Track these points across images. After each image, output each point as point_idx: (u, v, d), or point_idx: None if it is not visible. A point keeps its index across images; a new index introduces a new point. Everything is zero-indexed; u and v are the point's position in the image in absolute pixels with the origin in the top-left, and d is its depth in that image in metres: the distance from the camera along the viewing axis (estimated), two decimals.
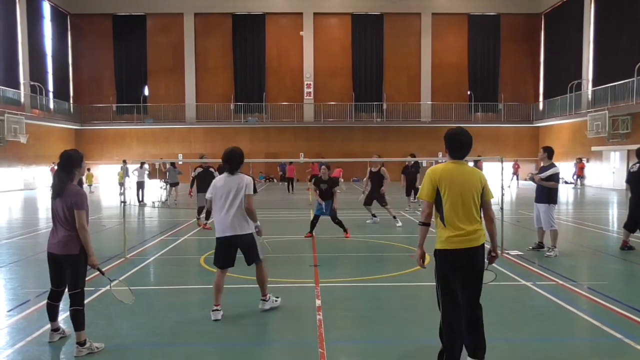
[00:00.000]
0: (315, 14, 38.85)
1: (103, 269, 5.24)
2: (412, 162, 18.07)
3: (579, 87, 33.03)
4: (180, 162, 30.82)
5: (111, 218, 16.24)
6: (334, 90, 38.97)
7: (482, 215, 4.40)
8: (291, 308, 6.30)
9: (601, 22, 31.95)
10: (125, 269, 8.49)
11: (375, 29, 39.19)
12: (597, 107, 30.53)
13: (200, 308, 6.20)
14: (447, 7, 39.13)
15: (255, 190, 6.08)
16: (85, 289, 4.91)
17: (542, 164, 9.66)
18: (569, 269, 8.39)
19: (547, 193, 9.33)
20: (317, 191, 11.64)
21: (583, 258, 9.57)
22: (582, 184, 31.65)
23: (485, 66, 39.50)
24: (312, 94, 38.94)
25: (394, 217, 13.74)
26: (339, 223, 11.44)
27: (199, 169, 13.70)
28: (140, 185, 20.87)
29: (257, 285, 6.07)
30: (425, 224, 4.36)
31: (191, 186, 14.03)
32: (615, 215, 16.93)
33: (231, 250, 5.85)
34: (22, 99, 32.77)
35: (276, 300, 6.11)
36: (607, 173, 30.08)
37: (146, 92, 39.49)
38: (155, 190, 25.82)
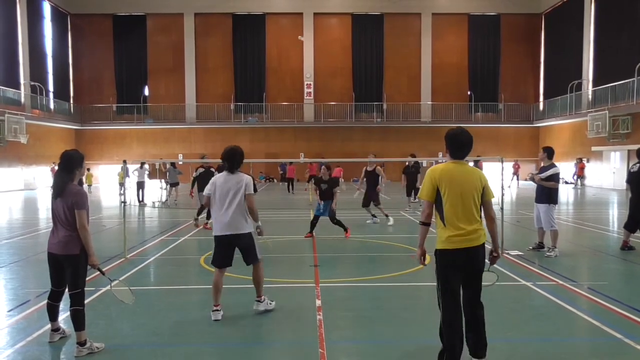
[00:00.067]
0: (315, 14, 38.86)
1: (103, 269, 5.24)
2: (413, 162, 18.07)
3: (579, 87, 33.03)
4: (181, 162, 30.86)
5: (111, 218, 16.25)
6: (334, 90, 38.98)
7: (482, 215, 4.41)
8: (291, 308, 6.30)
9: (601, 22, 31.95)
10: (126, 269, 8.49)
11: (376, 29, 39.20)
12: (597, 107, 30.53)
13: (200, 308, 6.20)
14: (447, 7, 39.13)
15: (255, 190, 6.08)
16: (85, 289, 4.91)
17: (542, 164, 9.66)
18: (569, 269, 8.39)
19: (547, 193, 9.33)
20: (317, 191, 11.65)
21: (583, 258, 9.57)
22: (583, 184, 31.65)
23: (485, 66, 39.51)
24: (312, 94, 38.95)
25: (387, 216, 13.87)
26: (338, 223, 11.43)
27: (201, 170, 13.68)
28: (140, 186, 20.88)
29: (261, 280, 6.01)
30: (426, 224, 4.38)
31: (192, 187, 14.03)
32: (615, 215, 16.92)
33: (229, 250, 5.84)
34: (23, 99, 32.78)
35: (270, 303, 6.03)
36: (607, 173, 30.07)
37: (146, 92, 39.50)
38: (156, 190, 25.83)
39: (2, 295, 7.14)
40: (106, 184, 36.28)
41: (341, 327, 5.64)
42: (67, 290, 4.94)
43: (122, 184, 20.16)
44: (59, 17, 37.82)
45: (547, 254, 9.29)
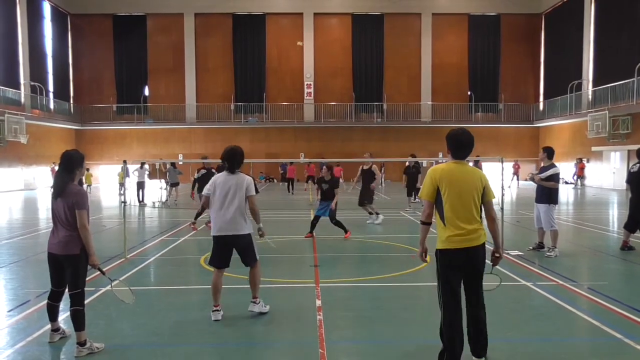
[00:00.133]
0: (315, 14, 38.87)
1: (103, 269, 5.24)
2: (413, 163, 18.09)
3: (579, 87, 33.03)
4: (181, 163, 30.84)
5: (111, 218, 16.25)
6: (334, 90, 38.99)
7: (483, 215, 4.42)
8: (291, 308, 6.30)
9: (601, 22, 31.96)
10: (126, 269, 8.49)
11: (376, 29, 39.21)
12: (597, 107, 30.53)
13: (200, 308, 6.20)
14: (447, 7, 39.14)
15: (257, 191, 6.07)
16: (85, 289, 4.92)
17: (542, 164, 9.67)
18: (569, 269, 8.39)
19: (547, 193, 9.33)
20: (319, 191, 11.66)
21: (583, 258, 9.58)
22: (583, 184, 31.66)
23: (485, 66, 39.51)
24: (312, 94, 38.96)
25: (377, 214, 13.97)
26: (338, 224, 11.40)
27: (203, 171, 13.64)
28: (140, 186, 20.88)
29: (258, 281, 5.96)
30: (426, 223, 4.42)
31: (193, 188, 13.99)
32: (615, 215, 16.92)
33: (228, 250, 5.82)
34: (23, 99, 32.78)
35: (265, 307, 5.96)
36: (607, 173, 30.07)
37: (146, 92, 39.51)
38: (156, 190, 25.83)
39: (2, 295, 7.14)
40: (106, 184, 36.28)
41: (341, 327, 5.64)
42: (67, 290, 4.94)
43: (122, 184, 20.17)
44: (59, 17, 37.83)
45: (547, 254, 9.29)
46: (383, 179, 35.45)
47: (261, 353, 5.11)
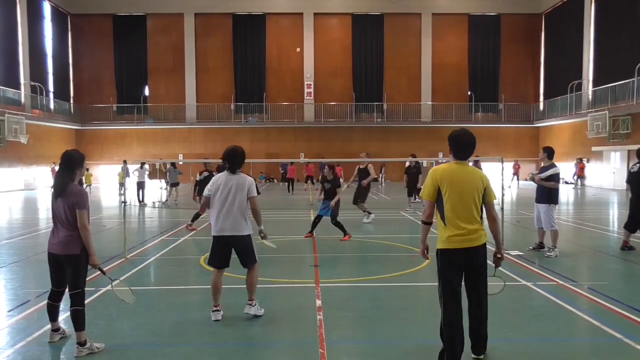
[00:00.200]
0: (315, 14, 38.86)
1: (104, 269, 5.23)
2: (414, 163, 18.12)
3: (579, 87, 33.03)
4: (181, 163, 30.83)
5: (111, 218, 16.25)
6: (334, 90, 38.99)
7: (484, 215, 4.44)
8: (291, 308, 6.30)
9: (601, 22, 31.95)
10: (126, 269, 8.49)
11: (376, 29, 39.20)
12: (597, 107, 30.53)
13: (200, 308, 6.20)
14: (447, 7, 39.14)
15: (258, 192, 6.06)
16: (85, 289, 4.92)
17: (542, 164, 9.67)
18: (569, 269, 8.39)
19: (547, 193, 9.33)
20: (322, 190, 11.71)
21: (583, 258, 9.58)
22: (583, 184, 31.66)
23: (485, 66, 39.51)
24: (312, 94, 38.96)
25: (368, 213, 14.10)
26: (338, 224, 11.37)
27: (205, 173, 13.62)
28: (140, 186, 20.88)
29: (255, 283, 5.91)
30: (427, 223, 4.46)
31: (195, 191, 13.97)
32: (615, 215, 16.92)
33: (227, 250, 5.81)
34: (23, 99, 32.78)
35: (260, 309, 5.91)
36: (607, 173, 30.07)
37: (146, 92, 39.51)
38: (156, 190, 25.84)
39: (2, 295, 7.14)
40: (106, 184, 36.28)
41: (341, 327, 5.64)
42: (67, 290, 4.94)
43: (122, 184, 20.17)
44: (59, 17, 37.83)
45: (547, 254, 9.29)
46: (383, 179, 35.50)
47: (261, 353, 5.11)
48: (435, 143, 36.37)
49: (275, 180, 38.30)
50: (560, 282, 7.44)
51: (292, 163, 28.59)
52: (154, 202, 21.48)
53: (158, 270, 8.85)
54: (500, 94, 39.04)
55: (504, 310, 6.02)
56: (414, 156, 19.25)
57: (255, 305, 5.85)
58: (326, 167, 11.99)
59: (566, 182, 32.03)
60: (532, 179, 9.61)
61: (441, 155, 33.54)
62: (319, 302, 6.40)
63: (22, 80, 33.04)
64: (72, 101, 39.23)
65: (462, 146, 4.42)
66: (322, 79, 39.13)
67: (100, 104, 38.95)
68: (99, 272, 5.08)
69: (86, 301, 4.96)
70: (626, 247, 9.83)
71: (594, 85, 32.38)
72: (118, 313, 6.03)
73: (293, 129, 38.69)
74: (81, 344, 4.77)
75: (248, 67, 39.22)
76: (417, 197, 18.02)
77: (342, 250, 10.39)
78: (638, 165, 9.82)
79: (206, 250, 9.65)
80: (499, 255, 4.55)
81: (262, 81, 39.16)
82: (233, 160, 5.79)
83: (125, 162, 10.61)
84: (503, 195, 9.76)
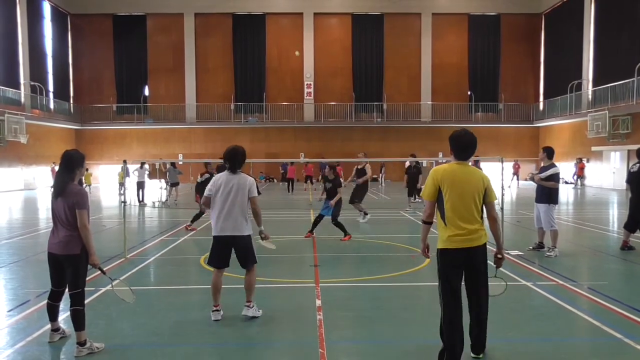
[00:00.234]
0: (315, 14, 38.86)
1: (104, 269, 5.23)
2: (414, 163, 18.19)
3: (579, 87, 33.03)
4: (181, 162, 30.87)
5: (111, 218, 16.25)
6: (334, 90, 38.98)
7: (484, 215, 4.46)
8: (291, 308, 6.30)
9: (601, 22, 31.95)
10: (126, 269, 8.49)
11: (376, 29, 39.20)
12: (597, 107, 30.53)
13: (200, 308, 6.20)
14: (447, 7, 39.13)
15: (259, 192, 6.05)
16: (85, 289, 4.92)
17: (542, 164, 9.67)
18: (569, 269, 8.39)
19: (547, 193, 9.33)
20: (324, 190, 11.79)
21: (583, 258, 9.58)
22: (582, 184, 31.65)
23: (485, 66, 39.51)
24: (312, 94, 38.95)
25: (365, 214, 14.18)
26: (338, 225, 11.37)
27: (206, 175, 13.61)
28: (140, 186, 20.88)
29: (253, 285, 5.87)
30: (427, 223, 4.49)
31: (197, 192, 13.96)
32: (615, 215, 16.92)
33: (227, 250, 5.80)
34: (22, 99, 32.78)
35: (258, 311, 5.89)
36: (607, 173, 30.07)
37: (146, 92, 39.50)
38: (156, 190, 25.84)
39: (2, 295, 7.14)
40: (106, 184, 36.28)
41: (341, 327, 5.64)
42: (67, 290, 4.94)
43: (122, 184, 20.17)
44: (59, 17, 37.82)
45: (547, 254, 9.29)
46: (383, 179, 35.52)
47: (261, 353, 5.11)
48: (435, 143, 36.38)
49: (275, 180, 38.30)
50: (560, 282, 7.44)
51: (292, 163, 28.59)
52: (153, 202, 21.48)
53: (158, 270, 8.85)
54: (500, 94, 39.04)
55: (504, 310, 6.02)
56: (413, 156, 19.27)
57: (253, 307, 5.82)
58: (327, 167, 12.04)
59: (566, 182, 32.04)
60: (532, 179, 9.61)
61: (441, 155, 33.54)
62: (318, 302, 6.40)
63: (22, 80, 33.04)
64: (72, 101, 39.23)
65: (463, 146, 4.44)
66: (322, 79, 39.12)
67: (100, 104, 38.95)
68: (99, 272, 5.08)
69: (86, 301, 4.96)
70: (626, 247, 9.83)
71: (593, 85, 32.38)
72: (118, 313, 6.03)
73: (293, 129, 38.69)
74: (81, 343, 4.77)
75: (248, 67, 39.22)
76: (417, 197, 18.03)
77: (342, 250, 10.38)
78: (638, 165, 9.82)
79: (206, 250, 9.66)
80: (499, 256, 4.56)
81: (262, 81, 39.16)
82: (234, 160, 5.78)
83: (125, 162, 10.61)
84: (503, 195, 9.76)
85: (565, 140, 34.92)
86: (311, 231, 11.60)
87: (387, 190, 28.59)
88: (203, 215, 13.00)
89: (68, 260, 4.82)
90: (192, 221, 13.07)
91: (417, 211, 16.51)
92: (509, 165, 31.84)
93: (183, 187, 22.15)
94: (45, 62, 36.14)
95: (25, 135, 29.96)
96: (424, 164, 20.29)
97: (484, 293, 4.49)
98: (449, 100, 38.65)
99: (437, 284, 4.51)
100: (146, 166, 22.05)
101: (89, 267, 4.94)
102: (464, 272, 4.40)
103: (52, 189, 5.02)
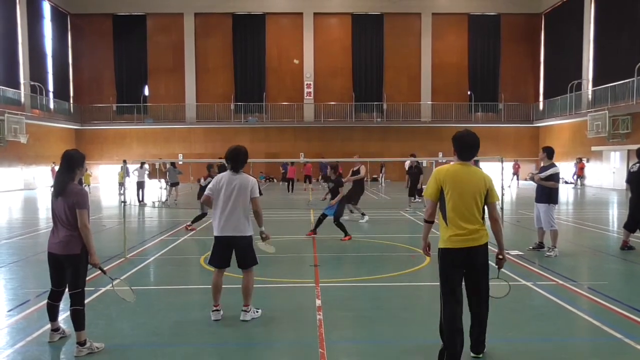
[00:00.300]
0: (315, 14, 38.85)
1: (104, 269, 5.23)
2: (416, 163, 18.27)
3: (579, 87, 33.03)
4: (181, 162, 30.87)
5: (111, 218, 16.25)
6: (334, 90, 38.98)
7: (486, 216, 4.49)
8: (291, 308, 6.30)
9: (601, 22, 31.95)
10: (126, 269, 8.49)
11: (376, 29, 39.19)
12: (597, 107, 30.53)
13: (200, 308, 6.20)
14: (447, 7, 39.13)
15: (260, 193, 6.05)
16: (85, 289, 4.92)
17: (542, 164, 9.67)
18: (569, 269, 8.39)
19: (547, 193, 9.33)
20: (328, 191, 11.90)
21: (583, 258, 9.58)
22: (582, 184, 31.65)
23: (485, 66, 39.51)
24: (312, 94, 38.95)
25: (363, 214, 14.27)
26: (339, 225, 11.39)
27: (209, 179, 13.60)
28: (140, 185, 20.88)
29: (251, 288, 5.81)
30: (429, 222, 4.54)
31: (199, 197, 13.92)
32: (615, 215, 16.92)
33: (228, 251, 5.79)
34: (22, 99, 32.77)
35: (257, 311, 5.87)
36: (607, 173, 30.07)
37: (146, 92, 39.50)
38: (156, 190, 25.83)
39: (2, 295, 7.14)
40: (106, 184, 36.28)
41: (341, 327, 5.64)
42: (67, 290, 4.94)
43: (122, 184, 20.16)
44: (59, 17, 37.81)
45: (547, 253, 9.29)
46: (383, 179, 35.53)
47: (261, 353, 5.11)
48: (435, 143, 36.39)
49: (275, 180, 38.30)
50: (560, 282, 7.44)
51: (292, 163, 28.59)
52: (153, 202, 21.48)
53: (158, 270, 8.85)
54: (500, 94, 39.04)
55: (504, 310, 6.02)
56: (413, 156, 19.30)
57: (250, 311, 5.79)
58: (328, 167, 12.11)
59: (566, 182, 32.04)
60: (532, 179, 9.61)
61: (441, 155, 33.54)
62: (318, 302, 6.40)
63: (22, 80, 33.03)
64: (72, 101, 39.22)
65: (466, 147, 4.47)
66: (322, 78, 39.12)
67: (100, 103, 38.94)
68: (99, 271, 5.08)
69: (86, 301, 4.96)
70: (626, 247, 9.83)
71: (593, 85, 32.38)
72: (118, 313, 6.03)
73: (293, 128, 38.69)
74: (81, 343, 4.77)
75: (248, 67, 39.21)
76: (417, 197, 18.05)
77: (342, 250, 10.38)
78: (638, 165, 9.82)
79: (206, 250, 9.68)
80: (500, 257, 4.58)
81: (262, 81, 39.15)
82: (236, 160, 5.77)
83: (125, 162, 10.61)
84: (503, 195, 9.76)
85: (565, 140, 34.93)
86: (314, 230, 11.63)
87: (387, 190, 28.59)
88: (204, 217, 13.00)
89: (68, 260, 4.82)
90: (193, 222, 13.08)
91: (417, 211, 16.51)
92: (508, 165, 31.84)
93: (183, 187, 22.14)
94: (45, 62, 36.13)
95: (25, 135, 29.96)
96: (424, 164, 20.32)
97: (485, 293, 4.51)
98: (449, 100, 38.64)
99: (437, 283, 4.53)
100: (146, 166, 22.04)
101: (89, 267, 4.94)
102: (464, 271, 4.42)
103: (52, 189, 5.02)
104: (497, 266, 4.65)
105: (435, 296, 4.62)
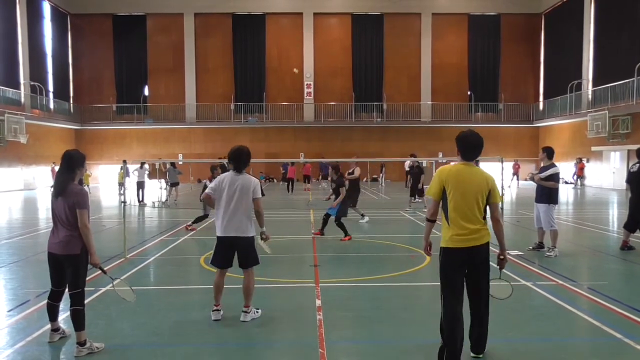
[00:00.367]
0: (315, 14, 38.85)
1: (104, 269, 5.23)
2: (417, 164, 18.32)
3: (579, 87, 33.03)
4: (181, 162, 30.87)
5: (111, 218, 16.25)
6: (334, 90, 38.98)
7: (488, 216, 4.52)
8: (291, 308, 6.30)
9: (601, 22, 31.95)
10: (125, 269, 8.49)
11: (375, 29, 39.20)
12: (597, 107, 30.53)
13: (200, 308, 6.20)
14: (447, 7, 39.13)
15: (262, 194, 6.05)
16: (85, 289, 4.92)
17: (542, 164, 9.68)
18: (569, 269, 8.39)
19: (547, 193, 9.33)
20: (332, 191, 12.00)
21: (583, 258, 9.58)
22: (582, 184, 31.65)
23: (485, 66, 39.50)
24: (312, 94, 38.95)
25: (362, 215, 14.34)
26: (340, 225, 11.40)
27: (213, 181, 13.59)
28: (140, 185, 20.88)
29: (252, 289, 5.80)
30: (431, 221, 4.58)
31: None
32: (615, 215, 16.93)
33: (231, 251, 5.80)
34: (22, 99, 32.77)
35: (257, 312, 5.87)
36: (607, 173, 30.07)
37: (146, 92, 39.49)
38: (155, 190, 25.83)
39: (2, 295, 7.14)
40: (106, 184, 36.28)
41: (341, 327, 5.64)
42: (67, 290, 4.94)
43: (122, 184, 20.16)
44: (59, 17, 37.81)
45: (547, 254, 9.29)
46: (383, 179, 35.53)
47: (261, 353, 5.11)
48: (435, 143, 36.40)
49: (275, 180, 38.30)
50: (560, 282, 7.44)
51: (292, 163, 28.59)
52: (153, 202, 21.47)
53: (158, 270, 8.85)
54: (500, 94, 39.04)
55: (504, 310, 6.01)
56: (414, 156, 19.33)
57: (250, 311, 5.79)
58: (329, 167, 12.16)
59: (566, 182, 32.04)
60: (532, 179, 9.61)
61: (441, 155, 33.55)
62: (318, 302, 6.40)
63: (22, 80, 33.02)
64: (71, 101, 39.22)
65: (470, 147, 4.49)
66: (322, 79, 39.11)
67: (100, 104, 38.94)
68: (99, 271, 5.08)
69: (86, 301, 4.97)
70: (626, 247, 9.83)
71: (593, 85, 32.38)
72: (118, 313, 6.03)
73: (293, 128, 38.69)
74: (81, 343, 4.77)
75: (248, 67, 39.21)
76: (417, 197, 18.05)
77: (342, 250, 10.38)
78: (638, 165, 9.82)
79: (206, 250, 9.69)
80: (501, 257, 4.59)
81: (262, 81, 39.16)
82: (239, 160, 5.77)
83: (125, 162, 10.61)
84: (503, 195, 9.74)
85: (565, 140, 34.93)
86: (321, 230, 11.68)
87: (387, 190, 28.58)
88: (207, 219, 12.98)
89: (68, 260, 4.82)
90: (194, 222, 13.07)
91: (417, 211, 16.52)
92: (508, 165, 31.84)
93: (183, 187, 22.13)
94: (45, 62, 36.13)
95: (25, 135, 29.95)
96: (424, 164, 20.36)
97: (485, 293, 4.52)
98: (448, 100, 38.64)
99: (437, 284, 4.54)
100: (146, 166, 22.04)
101: (89, 267, 4.94)
102: (466, 271, 4.43)
103: (53, 189, 5.02)
104: (498, 267, 4.66)
105: (435, 296, 4.63)
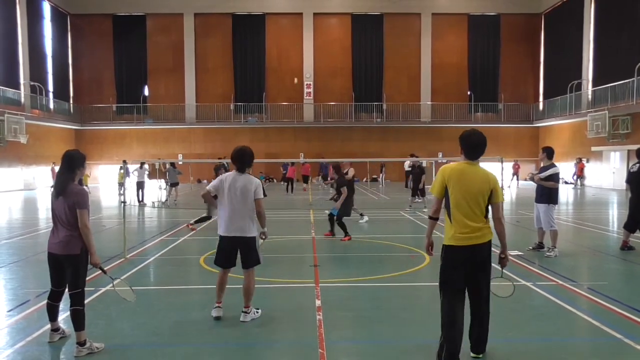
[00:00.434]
0: (315, 14, 38.85)
1: (104, 269, 5.23)
2: (418, 164, 18.36)
3: (579, 87, 33.03)
4: (180, 163, 30.86)
5: (111, 218, 16.24)
6: (334, 90, 38.97)
7: (490, 215, 4.54)
8: (291, 308, 6.30)
9: (601, 22, 31.95)
10: (125, 269, 8.49)
11: (375, 29, 39.19)
12: (597, 107, 30.53)
13: (201, 308, 6.20)
14: (447, 7, 39.12)
15: (264, 194, 6.05)
16: (85, 289, 4.92)
17: (542, 164, 9.68)
18: (569, 269, 8.39)
19: (547, 193, 9.33)
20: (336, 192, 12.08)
21: (583, 258, 9.58)
22: (582, 184, 31.65)
23: (485, 66, 39.49)
24: (312, 94, 38.95)
25: (361, 215, 14.31)
26: (341, 225, 11.41)
27: None
28: (140, 186, 20.88)
29: (252, 289, 5.81)
30: (433, 218, 4.59)
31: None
32: (615, 215, 16.93)
33: (232, 251, 5.81)
34: (22, 99, 32.77)
35: (257, 312, 5.88)
36: (607, 173, 30.07)
37: (146, 92, 39.48)
38: (155, 190, 25.83)
39: (2, 295, 7.14)
40: (106, 184, 36.27)
41: (341, 327, 5.64)
42: (67, 290, 4.94)
43: (122, 184, 20.16)
44: (58, 17, 37.81)
45: (547, 254, 9.29)
46: (383, 179, 35.54)
47: (261, 353, 5.11)
48: (435, 143, 36.40)
49: (275, 180, 38.30)
50: (560, 282, 7.44)
51: (292, 163, 28.59)
52: (153, 202, 21.48)
53: (158, 270, 8.85)
54: (500, 94, 39.04)
55: (504, 310, 6.02)
56: (414, 156, 19.36)
57: (250, 312, 5.79)
58: (330, 167, 12.19)
59: (566, 182, 32.04)
60: (532, 179, 9.61)
61: (441, 155, 33.55)
62: (318, 302, 6.40)
63: (21, 80, 33.02)
64: (71, 101, 39.21)
65: (473, 146, 4.50)
66: (321, 79, 39.11)
67: (100, 104, 38.94)
68: (99, 271, 5.08)
69: (86, 301, 4.97)
70: (626, 247, 9.84)
71: (593, 85, 32.38)
72: (118, 313, 6.03)
73: (292, 129, 38.68)
74: (81, 343, 4.77)
75: (248, 67, 39.21)
76: (417, 197, 18.07)
77: (342, 250, 10.39)
78: (638, 165, 9.83)
79: (206, 250, 9.70)
80: (502, 256, 4.61)
81: (262, 81, 39.15)
82: (242, 161, 5.79)
83: (124, 162, 10.63)
84: (503, 195, 9.75)
85: (565, 140, 34.92)
86: (331, 231, 11.70)
87: (387, 190, 28.58)
88: (209, 221, 12.96)
89: (68, 260, 4.82)
90: (196, 222, 13.05)
91: (416, 211, 16.52)
92: (508, 165, 31.85)
93: (183, 187, 22.12)
94: (45, 62, 36.12)
95: (25, 135, 29.95)
96: (424, 164, 20.36)
97: (485, 293, 4.53)
98: (448, 100, 38.64)
99: (437, 283, 4.55)
100: (146, 166, 22.05)
101: (89, 266, 4.94)
102: (467, 269, 4.44)
103: (53, 189, 5.02)
104: (500, 266, 4.68)
105: (435, 296, 4.63)
